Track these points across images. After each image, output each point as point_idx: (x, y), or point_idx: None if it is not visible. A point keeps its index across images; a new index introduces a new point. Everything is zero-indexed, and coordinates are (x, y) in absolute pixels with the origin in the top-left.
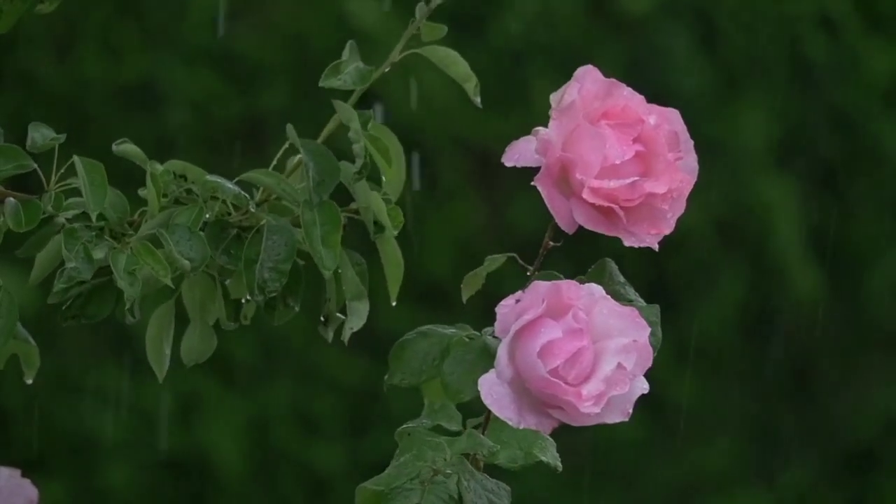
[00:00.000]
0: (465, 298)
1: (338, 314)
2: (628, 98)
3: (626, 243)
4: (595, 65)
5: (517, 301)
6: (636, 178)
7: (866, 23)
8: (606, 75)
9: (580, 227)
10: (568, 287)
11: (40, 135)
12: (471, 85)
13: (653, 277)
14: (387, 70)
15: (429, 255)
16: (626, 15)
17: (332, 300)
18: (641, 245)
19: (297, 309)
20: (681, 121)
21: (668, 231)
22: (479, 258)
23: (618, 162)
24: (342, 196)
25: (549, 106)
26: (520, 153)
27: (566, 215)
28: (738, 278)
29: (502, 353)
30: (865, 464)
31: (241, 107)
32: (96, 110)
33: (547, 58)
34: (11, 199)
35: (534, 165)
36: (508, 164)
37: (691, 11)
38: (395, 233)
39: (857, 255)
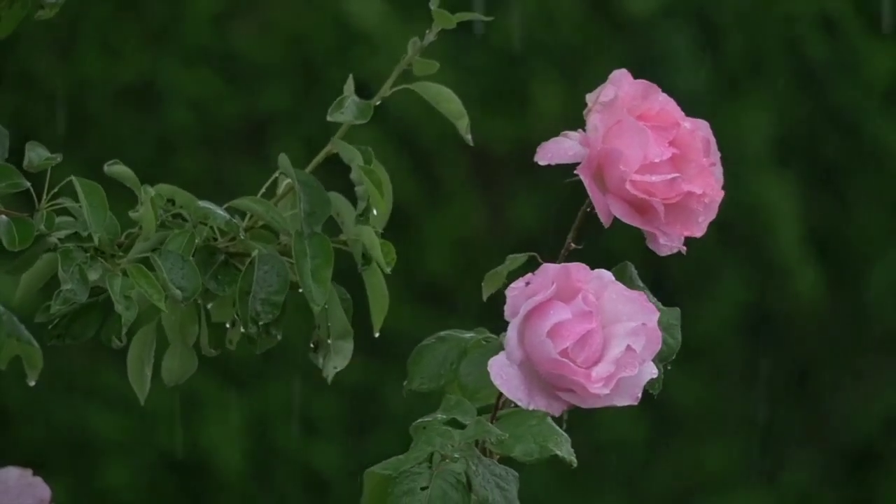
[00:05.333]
0: (485, 297)
1: (328, 341)
2: (664, 102)
3: (657, 242)
4: (595, 65)
5: (527, 283)
6: (676, 175)
7: (866, 23)
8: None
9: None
10: (577, 270)
11: (36, 155)
12: (463, 123)
13: (653, 277)
14: (377, 104)
15: (429, 255)
16: (626, 15)
17: (321, 327)
18: (671, 251)
19: (279, 338)
20: (710, 131)
21: (699, 234)
22: (479, 258)
23: (656, 161)
24: (328, 226)
25: (549, 106)
26: (552, 152)
27: (604, 208)
28: (738, 278)
29: (512, 334)
30: (865, 464)
31: (241, 107)
32: (96, 110)
33: (547, 58)
34: (4, 217)
35: (568, 162)
36: (542, 162)
37: (691, 12)
38: (389, 270)
39: (857, 255)
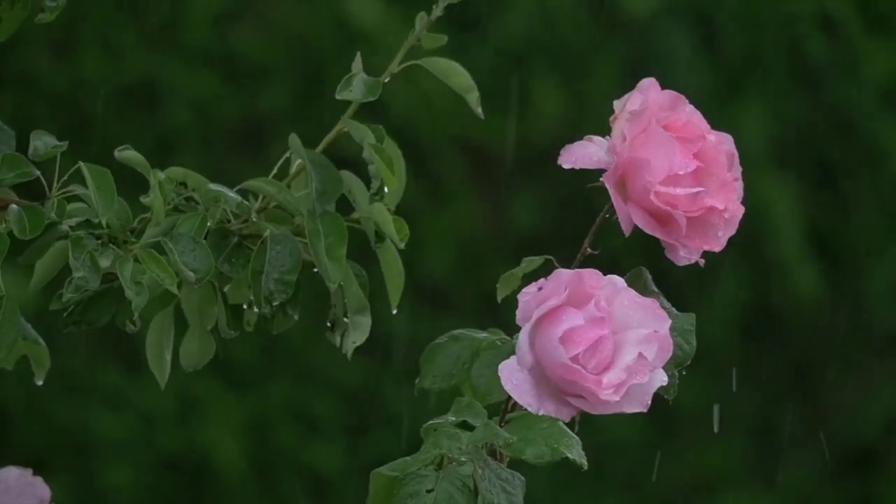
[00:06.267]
0: (500, 298)
1: (344, 319)
2: (690, 114)
3: (677, 254)
4: (595, 65)
5: (539, 289)
6: (700, 189)
7: (866, 23)
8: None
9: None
10: (590, 276)
11: (42, 143)
12: (473, 96)
13: (653, 277)
14: (386, 80)
15: (429, 255)
16: (626, 15)
17: (337, 305)
18: (689, 261)
19: (296, 318)
20: (734, 144)
21: (718, 249)
22: (479, 258)
23: (681, 173)
24: (341, 204)
25: (549, 106)
26: (577, 156)
27: (626, 217)
28: (738, 278)
29: (523, 339)
30: (865, 464)
31: (241, 107)
32: (96, 110)
33: (547, 58)
34: (14, 206)
35: (592, 168)
36: (566, 166)
37: (691, 12)
38: (403, 245)
39: (857, 255)
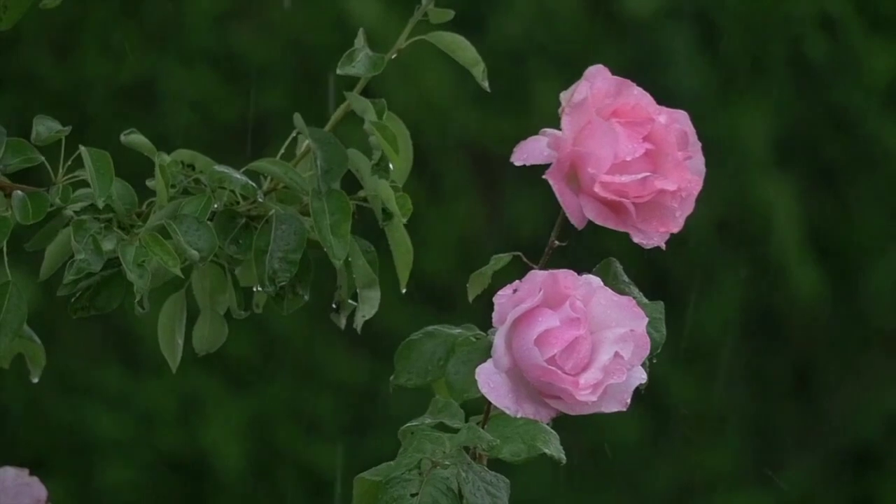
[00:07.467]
0: (471, 298)
1: (350, 301)
2: (638, 97)
3: (636, 240)
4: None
5: (514, 291)
6: (647, 174)
7: (866, 23)
8: None
9: (586, 226)
10: (565, 277)
11: (45, 127)
12: (479, 69)
13: (653, 277)
14: (394, 56)
15: (429, 254)
16: (626, 15)
17: (343, 287)
18: (650, 244)
19: (306, 298)
20: (689, 122)
21: (676, 230)
22: (479, 258)
23: (628, 159)
24: (350, 183)
25: (549, 106)
26: (528, 152)
27: (576, 210)
28: (738, 278)
29: (499, 342)
30: (865, 464)
31: (241, 107)
32: (96, 110)
33: (547, 58)
34: (18, 191)
35: (542, 163)
36: (517, 163)
37: (691, 12)
38: (405, 220)
39: (857, 255)
